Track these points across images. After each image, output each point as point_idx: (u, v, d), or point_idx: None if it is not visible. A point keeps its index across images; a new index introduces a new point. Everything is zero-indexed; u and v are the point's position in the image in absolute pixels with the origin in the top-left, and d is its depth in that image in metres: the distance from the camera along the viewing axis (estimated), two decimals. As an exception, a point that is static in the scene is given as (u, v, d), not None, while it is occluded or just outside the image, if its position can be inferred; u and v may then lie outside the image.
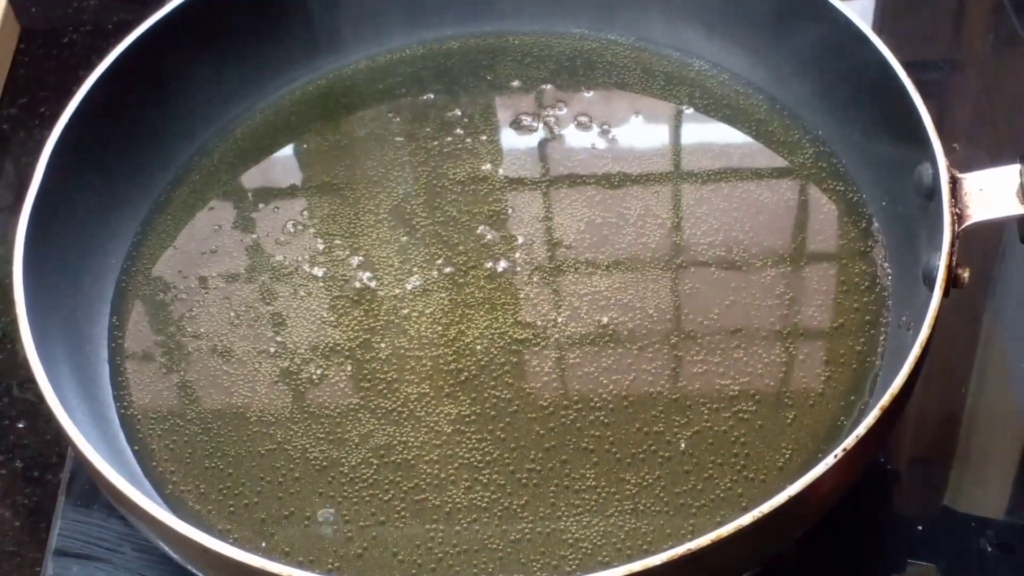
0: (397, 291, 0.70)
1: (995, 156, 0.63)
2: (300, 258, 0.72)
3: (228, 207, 0.75)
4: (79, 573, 0.66)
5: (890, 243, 0.69)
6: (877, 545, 0.65)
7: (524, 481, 0.62)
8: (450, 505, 0.62)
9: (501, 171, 0.75)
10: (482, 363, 0.67)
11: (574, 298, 0.69)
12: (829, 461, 0.54)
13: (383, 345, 0.68)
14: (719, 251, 0.70)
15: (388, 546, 0.61)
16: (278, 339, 0.68)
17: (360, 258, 0.71)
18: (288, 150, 0.78)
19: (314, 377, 0.67)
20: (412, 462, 0.63)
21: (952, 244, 0.60)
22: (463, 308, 0.69)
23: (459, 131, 0.77)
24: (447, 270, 0.70)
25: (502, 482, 0.62)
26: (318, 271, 0.71)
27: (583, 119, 0.77)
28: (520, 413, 0.65)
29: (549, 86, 0.79)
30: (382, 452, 0.64)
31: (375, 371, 0.67)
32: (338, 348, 0.68)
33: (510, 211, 0.73)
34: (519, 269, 0.70)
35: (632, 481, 0.62)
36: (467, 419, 0.65)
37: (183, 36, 0.74)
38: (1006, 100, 0.85)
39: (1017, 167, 0.61)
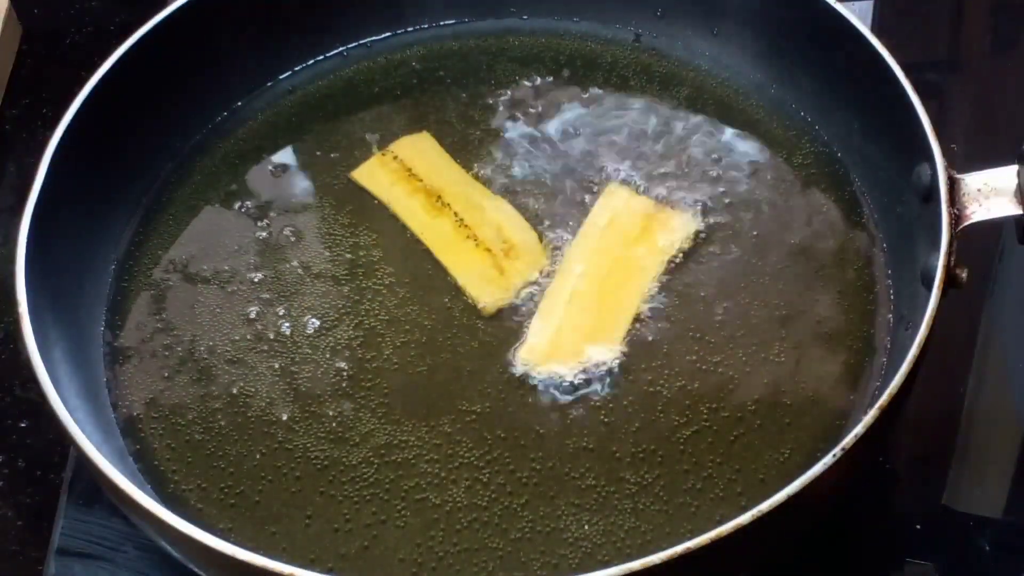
0: (398, 290, 0.70)
1: (993, 157, 0.63)
2: (301, 257, 0.72)
3: (229, 207, 0.75)
4: (81, 572, 0.66)
5: (889, 243, 0.69)
6: (876, 544, 0.65)
7: (524, 480, 0.63)
8: (450, 504, 0.62)
9: (501, 171, 0.75)
10: (482, 363, 0.67)
11: (574, 298, 0.69)
12: (828, 461, 0.54)
13: (384, 344, 0.68)
14: (719, 251, 0.70)
15: (388, 545, 0.61)
16: (279, 338, 0.68)
17: (361, 257, 0.71)
18: (288, 150, 0.78)
19: (315, 376, 0.67)
20: (412, 461, 0.63)
21: (950, 244, 0.60)
22: (463, 306, 0.69)
23: (458, 131, 0.77)
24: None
25: (502, 481, 0.63)
26: (319, 269, 0.71)
27: (583, 119, 0.77)
28: (520, 413, 0.65)
29: (549, 86, 0.79)
30: (383, 451, 0.64)
31: (376, 370, 0.67)
32: (339, 347, 0.68)
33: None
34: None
35: (632, 481, 0.62)
36: (467, 419, 0.65)
37: (184, 37, 0.74)
38: (1004, 101, 0.85)
39: (1015, 168, 0.61)
